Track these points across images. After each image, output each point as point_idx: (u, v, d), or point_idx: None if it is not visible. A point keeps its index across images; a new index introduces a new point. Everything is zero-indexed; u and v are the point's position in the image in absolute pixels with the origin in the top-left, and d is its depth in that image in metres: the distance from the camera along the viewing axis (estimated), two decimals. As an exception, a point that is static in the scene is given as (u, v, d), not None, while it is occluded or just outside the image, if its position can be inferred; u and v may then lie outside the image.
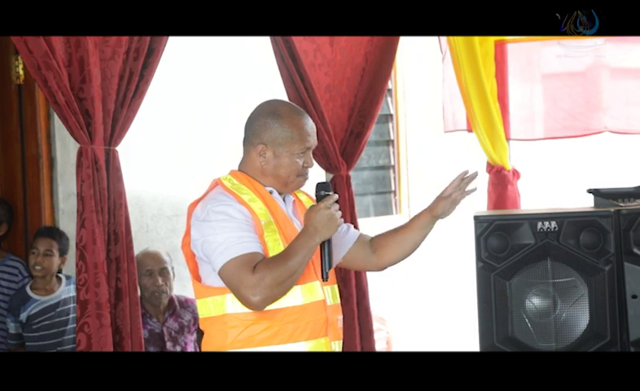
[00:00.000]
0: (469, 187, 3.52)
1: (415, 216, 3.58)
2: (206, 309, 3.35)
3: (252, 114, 3.46)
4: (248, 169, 3.43)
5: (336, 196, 3.31)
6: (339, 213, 3.30)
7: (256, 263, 3.21)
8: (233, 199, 3.32)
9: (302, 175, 3.41)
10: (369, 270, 3.86)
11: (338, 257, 3.55)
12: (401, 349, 6.79)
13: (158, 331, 5.23)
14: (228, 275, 3.23)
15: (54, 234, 5.20)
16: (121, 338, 4.27)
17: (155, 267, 5.27)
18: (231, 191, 3.35)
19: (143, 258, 5.27)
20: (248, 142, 3.43)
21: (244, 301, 3.22)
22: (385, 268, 3.64)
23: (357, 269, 4.53)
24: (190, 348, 5.33)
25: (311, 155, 3.43)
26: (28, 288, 5.17)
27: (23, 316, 5.11)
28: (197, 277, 3.37)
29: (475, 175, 3.52)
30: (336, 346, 3.40)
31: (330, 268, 3.35)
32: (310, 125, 3.44)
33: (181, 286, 5.57)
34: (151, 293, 5.25)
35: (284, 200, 3.45)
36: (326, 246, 3.32)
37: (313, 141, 3.43)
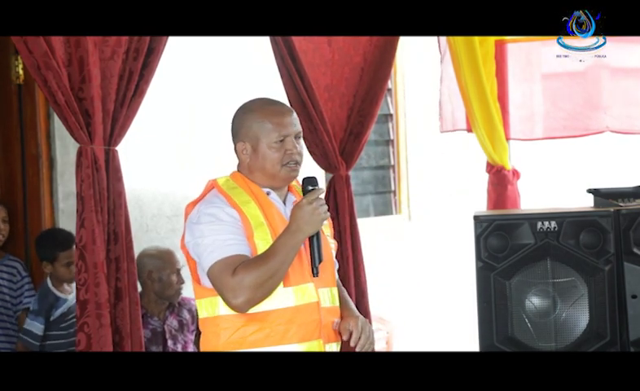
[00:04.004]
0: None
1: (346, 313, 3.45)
2: (203, 310, 3.35)
3: (232, 118, 3.45)
4: (242, 169, 3.41)
5: (321, 190, 3.26)
6: (324, 207, 3.25)
7: (237, 265, 3.20)
8: (224, 201, 3.30)
9: (286, 164, 3.33)
10: None
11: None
12: (401, 349, 6.79)
13: (160, 330, 5.21)
14: (213, 278, 3.24)
15: (71, 239, 5.12)
16: (121, 338, 4.27)
17: (179, 266, 5.26)
18: (225, 193, 3.33)
19: (168, 257, 5.23)
20: (233, 144, 3.42)
21: (228, 304, 3.23)
22: None
23: None
24: (191, 347, 5.32)
25: (294, 142, 3.34)
26: (51, 287, 5.08)
27: (56, 313, 5.04)
28: (196, 278, 3.36)
29: None
30: (332, 348, 3.36)
31: (319, 262, 3.29)
32: (286, 112, 3.36)
33: (181, 285, 5.57)
34: (176, 291, 5.24)
35: (285, 202, 3.41)
36: (314, 241, 3.27)
37: (291, 128, 3.34)
